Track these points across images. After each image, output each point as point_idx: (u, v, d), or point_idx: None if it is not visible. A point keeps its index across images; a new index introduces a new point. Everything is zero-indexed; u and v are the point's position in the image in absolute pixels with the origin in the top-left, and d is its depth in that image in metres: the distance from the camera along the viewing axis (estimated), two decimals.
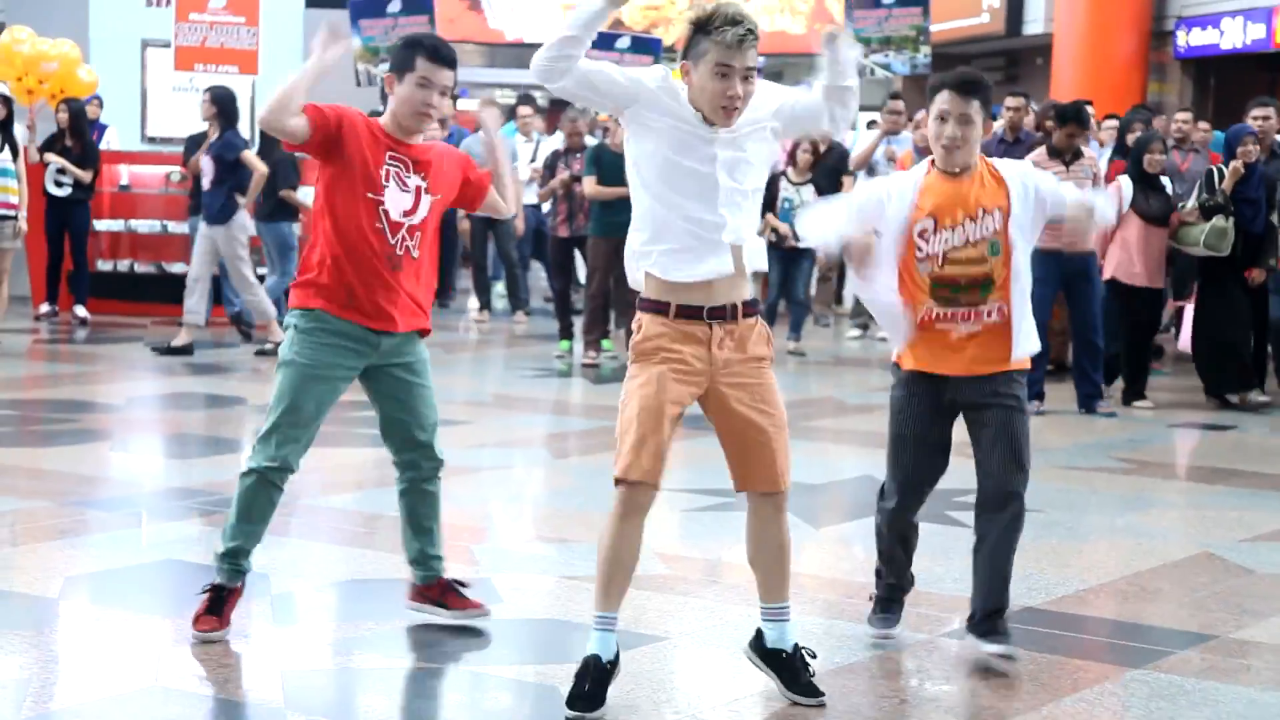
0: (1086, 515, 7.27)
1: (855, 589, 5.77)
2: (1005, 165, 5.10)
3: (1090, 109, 12.07)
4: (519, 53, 27.88)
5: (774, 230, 12.55)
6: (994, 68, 24.06)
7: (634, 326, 4.53)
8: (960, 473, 5.38)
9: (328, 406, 5.04)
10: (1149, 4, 19.47)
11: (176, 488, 7.58)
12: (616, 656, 4.45)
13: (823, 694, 4.53)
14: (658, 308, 4.45)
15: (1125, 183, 10.51)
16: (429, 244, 5.08)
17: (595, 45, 16.34)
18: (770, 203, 12.49)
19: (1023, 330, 4.95)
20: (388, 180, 4.90)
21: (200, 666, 4.85)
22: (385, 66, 15.56)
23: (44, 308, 14.41)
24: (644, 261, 4.48)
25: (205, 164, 12.01)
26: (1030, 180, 5.01)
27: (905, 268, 4.97)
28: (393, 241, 4.94)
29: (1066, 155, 10.30)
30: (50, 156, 13.92)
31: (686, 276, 4.41)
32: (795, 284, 13.01)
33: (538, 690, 4.59)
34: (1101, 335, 10.34)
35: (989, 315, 4.94)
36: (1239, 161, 10.33)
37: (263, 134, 13.41)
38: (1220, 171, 10.48)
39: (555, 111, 18.91)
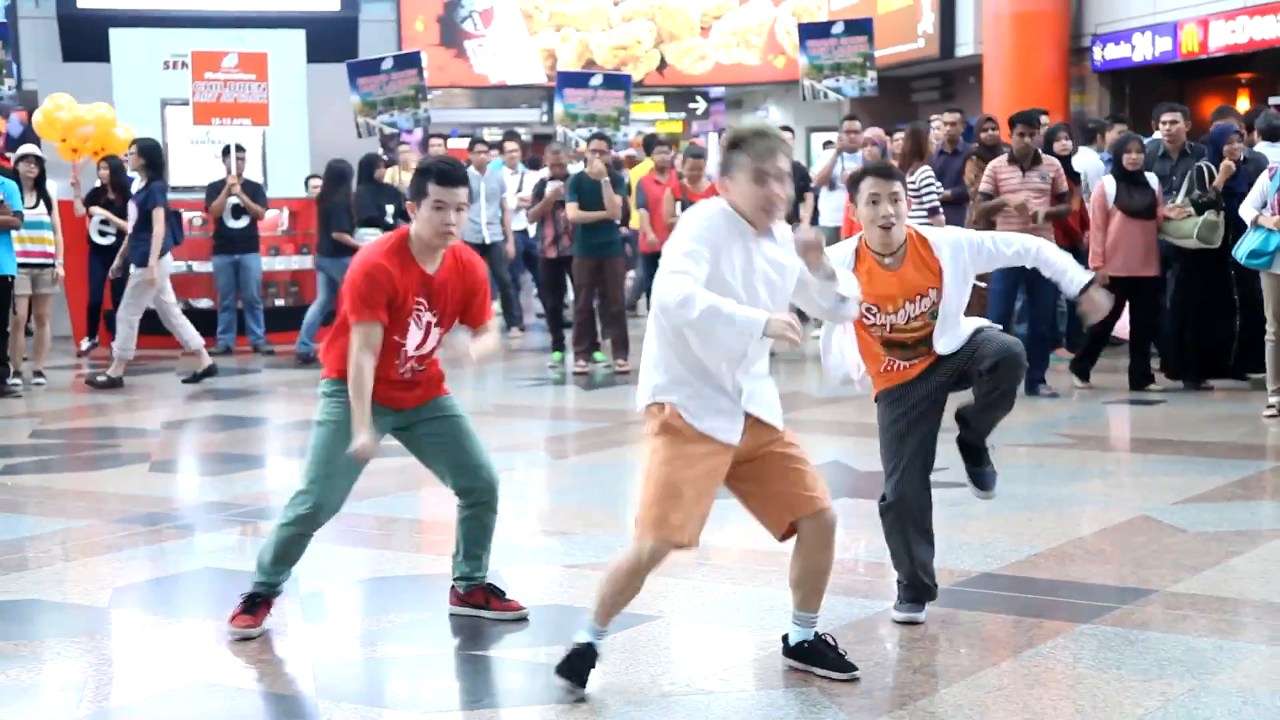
0: (1035, 487, 7.27)
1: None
2: (935, 236, 5.04)
3: (1044, 117, 12.20)
4: (503, 94, 27.89)
5: None
6: (930, 87, 24.12)
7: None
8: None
9: (358, 470, 5.03)
10: (1067, 23, 19.54)
11: (212, 502, 7.56)
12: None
13: (855, 667, 4.53)
14: None
15: (1109, 181, 10.51)
16: (436, 350, 5.11)
17: (570, 84, 16.33)
18: None
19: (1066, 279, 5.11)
20: (409, 325, 4.93)
21: (239, 663, 4.83)
22: (383, 118, 15.62)
23: (85, 343, 14.39)
24: None
25: (130, 210, 12.04)
26: (963, 246, 5.02)
27: (859, 327, 5.08)
28: (403, 368, 5.00)
29: (1025, 161, 10.32)
30: (95, 210, 13.94)
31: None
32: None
33: (548, 670, 4.57)
34: (1054, 326, 10.37)
35: (927, 356, 5.07)
36: (1229, 160, 10.28)
37: (326, 175, 13.53)
38: (1210, 169, 10.46)
39: (539, 145, 18.90)
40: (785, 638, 4.65)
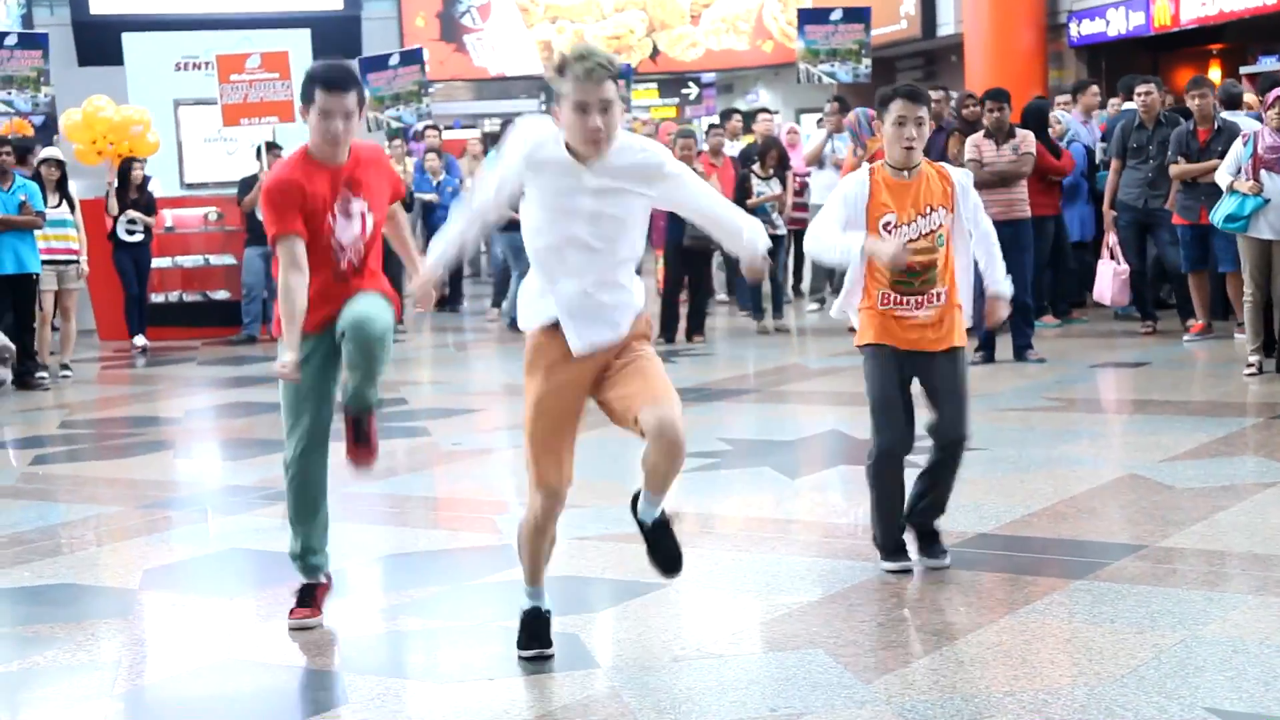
0: (1026, 449, 7.25)
1: (831, 530, 5.76)
2: (953, 170, 5.19)
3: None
4: (502, 86, 27.81)
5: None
6: (914, 67, 24.05)
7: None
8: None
9: (324, 390, 4.84)
10: (1043, 0, 19.48)
11: (235, 485, 7.55)
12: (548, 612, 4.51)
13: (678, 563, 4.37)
14: None
15: None
16: (373, 247, 4.87)
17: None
18: (744, 198, 12.55)
19: (961, 317, 5.18)
20: (335, 218, 4.74)
21: (266, 640, 4.82)
22: (390, 113, 15.59)
23: (140, 340, 14.12)
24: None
25: None
26: (971, 191, 5.14)
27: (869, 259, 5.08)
28: (341, 263, 4.79)
29: (999, 135, 10.37)
30: (134, 213, 13.87)
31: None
32: (775, 269, 13.07)
33: (562, 639, 4.56)
34: (1031, 296, 10.35)
35: (936, 300, 5.08)
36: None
37: None
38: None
39: None
40: (635, 498, 4.34)
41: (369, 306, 4.74)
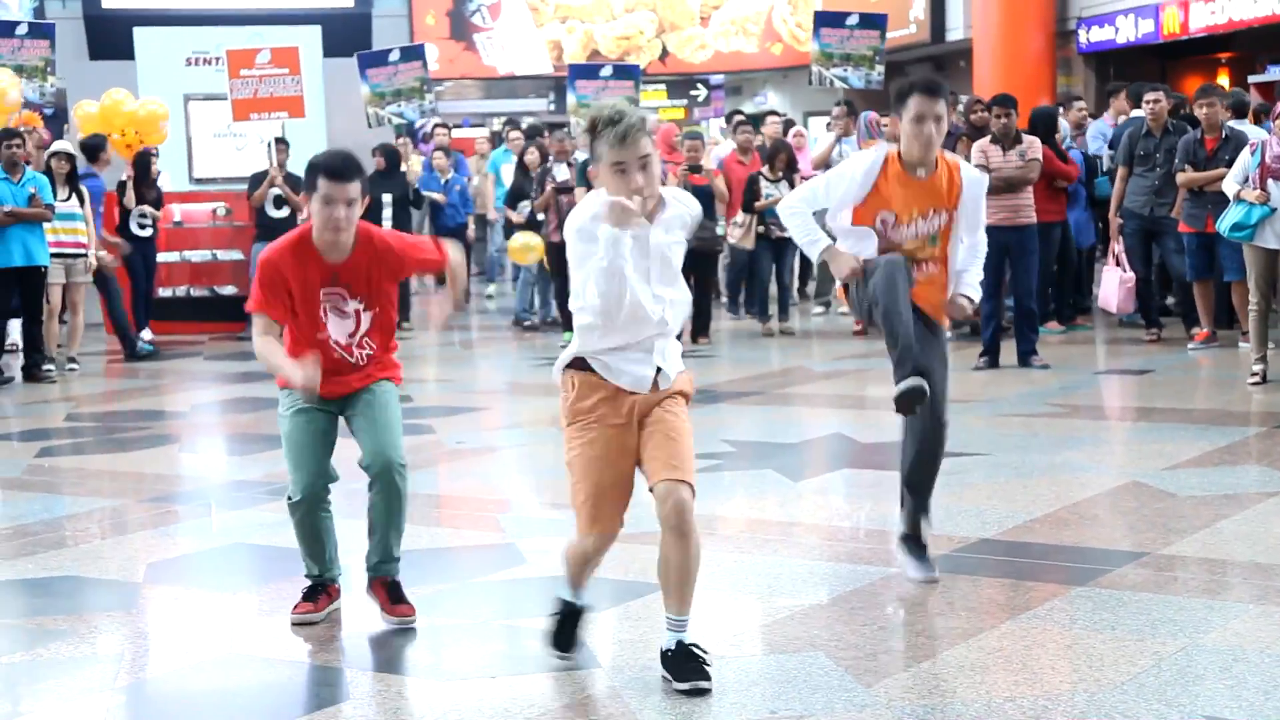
0: (1028, 455, 7.24)
1: (834, 533, 5.76)
2: (968, 172, 5.08)
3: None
4: (510, 85, 27.84)
5: (762, 222, 12.65)
6: (922, 71, 24.06)
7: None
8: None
9: (323, 435, 4.87)
10: (1053, 7, 19.47)
11: (239, 480, 7.55)
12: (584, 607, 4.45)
13: (706, 678, 4.13)
14: None
15: None
16: (381, 330, 4.88)
17: (582, 76, 16.45)
18: (752, 200, 12.57)
19: (962, 280, 5.07)
20: (326, 315, 4.76)
21: (270, 635, 4.82)
22: (391, 109, 15.59)
23: (148, 333, 14.06)
24: None
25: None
26: (979, 186, 5.05)
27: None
28: (344, 356, 4.81)
29: (1006, 141, 10.38)
30: (146, 208, 13.88)
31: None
32: (782, 271, 13.07)
33: (577, 653, 4.56)
34: (1036, 301, 10.36)
35: (926, 268, 5.03)
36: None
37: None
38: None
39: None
40: (662, 649, 4.24)
41: (391, 426, 4.83)
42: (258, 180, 14.13)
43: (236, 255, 14.88)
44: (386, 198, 13.44)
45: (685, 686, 4.10)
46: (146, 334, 13.94)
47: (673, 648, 4.18)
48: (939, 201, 4.98)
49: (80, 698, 4.31)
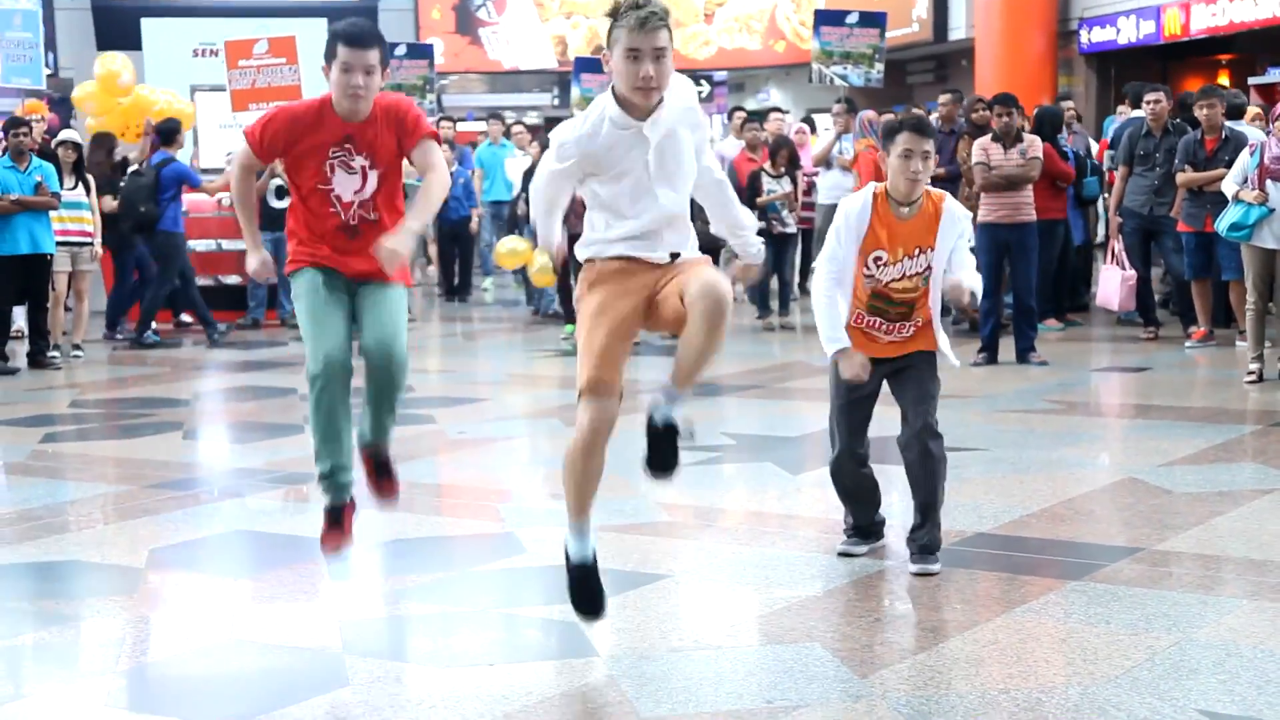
0: (1026, 451, 7.24)
1: (831, 525, 5.75)
2: (949, 205, 5.11)
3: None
4: (515, 79, 27.82)
5: (763, 218, 12.64)
6: (925, 69, 24.04)
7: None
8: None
9: (340, 305, 4.75)
10: (1055, 7, 19.46)
11: (242, 468, 7.56)
12: (594, 557, 4.38)
13: (673, 462, 4.18)
14: None
15: None
16: (387, 203, 4.82)
17: (587, 69, 16.45)
18: (754, 196, 12.57)
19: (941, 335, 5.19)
20: (333, 172, 4.72)
21: (269, 620, 4.83)
22: None
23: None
24: None
25: None
26: (960, 223, 5.08)
27: (859, 268, 5.09)
28: (346, 217, 4.76)
29: (1006, 140, 10.39)
30: None
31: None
32: (784, 266, 13.06)
33: (562, 627, 4.57)
34: (1035, 299, 10.36)
35: (907, 330, 5.14)
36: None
37: None
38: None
39: (550, 128, 18.87)
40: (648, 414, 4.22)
41: (396, 322, 4.74)
42: (260, 171, 14.10)
43: (241, 245, 14.83)
44: None
45: (652, 477, 4.21)
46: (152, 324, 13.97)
47: (660, 424, 4.16)
48: (924, 240, 5.04)
49: (82, 681, 4.32)
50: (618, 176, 4.14)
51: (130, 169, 13.51)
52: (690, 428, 4.23)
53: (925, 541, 5.14)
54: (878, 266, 5.03)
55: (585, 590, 4.39)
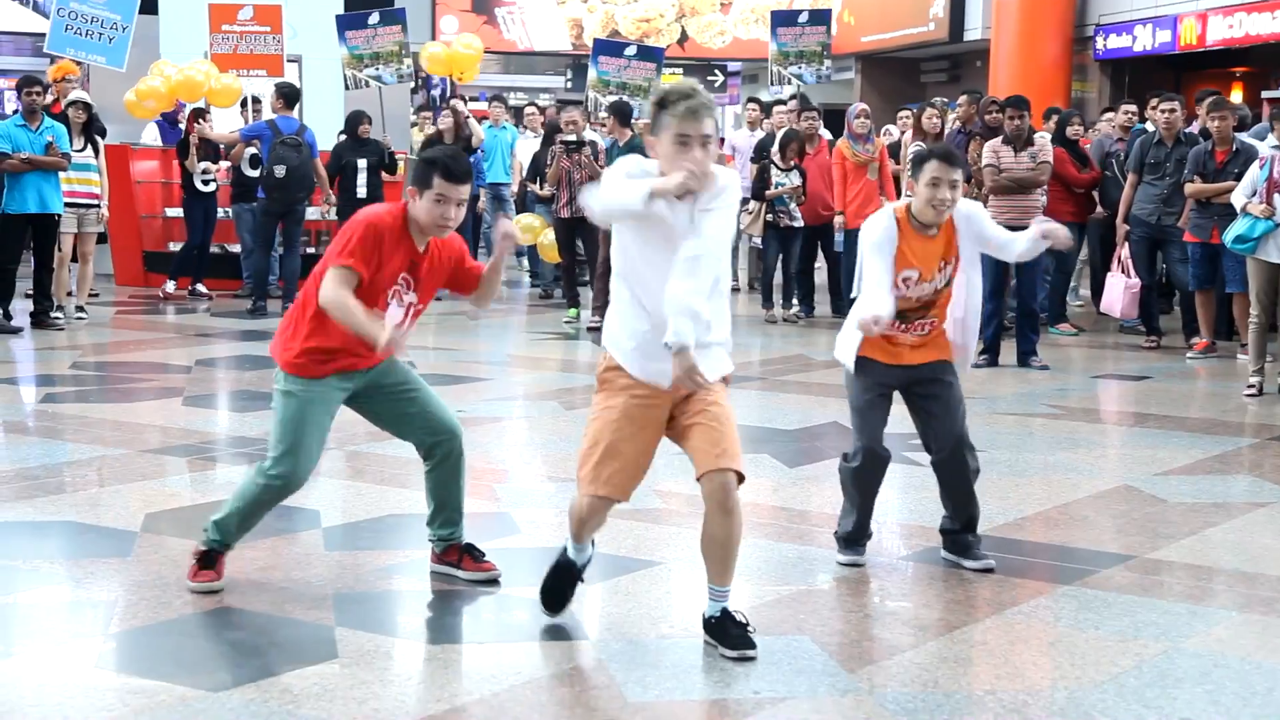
0: (1023, 454, 7.25)
1: (825, 520, 5.76)
2: (958, 210, 5.13)
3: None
4: (529, 61, 27.78)
5: (771, 211, 12.61)
6: (939, 69, 23.97)
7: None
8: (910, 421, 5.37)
9: (328, 423, 4.84)
10: (1072, 12, 19.40)
11: (238, 436, 7.56)
12: (584, 565, 4.57)
13: (752, 645, 4.25)
14: None
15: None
16: (413, 325, 4.89)
17: (606, 52, 16.47)
18: (763, 188, 12.55)
19: (963, 341, 5.24)
20: (391, 299, 4.73)
21: (262, 590, 4.83)
22: (369, 72, 15.58)
23: (201, 287, 14.20)
24: None
25: None
26: (973, 220, 5.14)
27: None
28: None
29: (1018, 143, 10.39)
30: (207, 164, 13.90)
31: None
32: (790, 259, 13.04)
33: (562, 614, 4.57)
34: (1038, 303, 10.34)
35: (925, 329, 5.17)
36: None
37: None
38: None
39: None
40: (703, 614, 4.39)
41: (446, 408, 5.00)
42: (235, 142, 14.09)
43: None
44: (361, 163, 13.51)
45: (733, 655, 4.21)
46: (201, 288, 14.02)
47: (717, 615, 4.31)
48: (948, 253, 5.12)
49: (72, 641, 4.33)
50: (655, 231, 4.11)
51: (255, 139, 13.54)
52: (747, 621, 4.35)
53: (971, 541, 5.27)
54: (908, 286, 5.08)
55: (558, 586, 4.53)
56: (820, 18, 16.41)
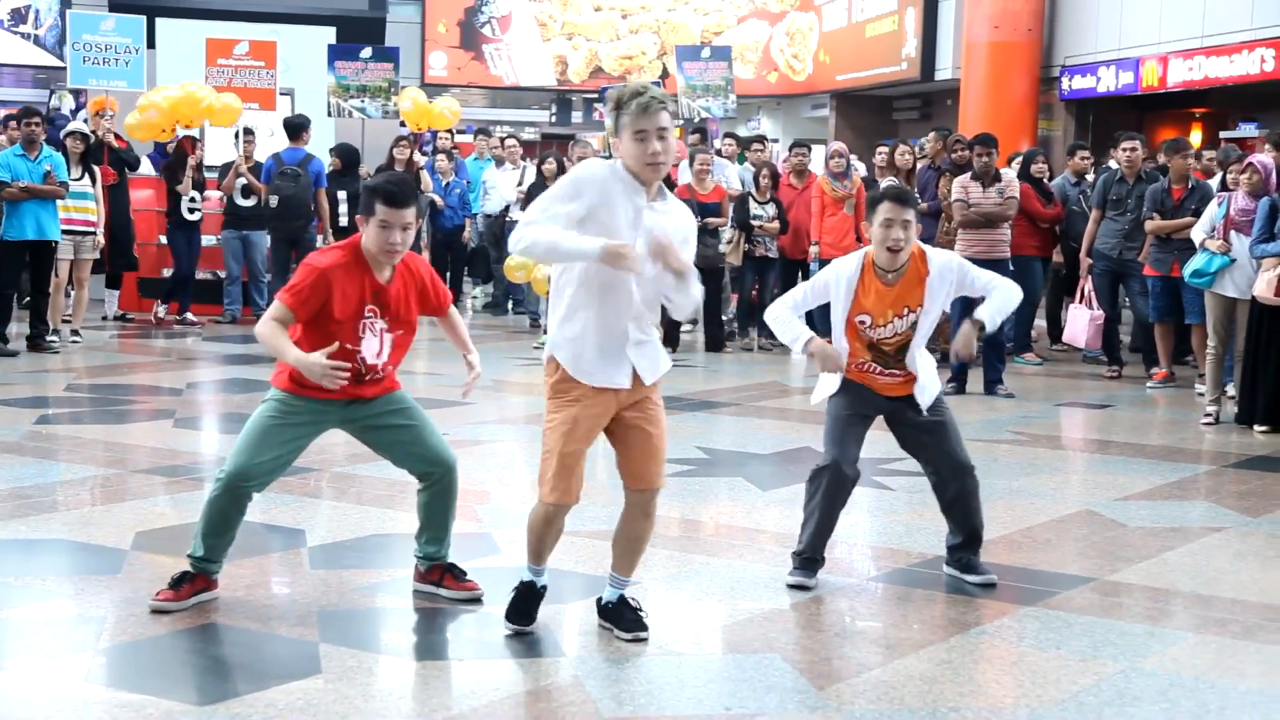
0: (988, 479, 7.21)
1: (796, 542, 5.75)
2: (936, 257, 5.15)
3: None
4: (515, 95, 27.82)
5: (749, 241, 12.65)
6: (911, 107, 24.11)
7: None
8: (887, 442, 5.38)
9: (296, 442, 4.82)
10: (1038, 54, 19.54)
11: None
12: (544, 587, 4.63)
13: (645, 628, 4.51)
14: None
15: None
16: (396, 356, 4.86)
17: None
18: (746, 217, 12.58)
19: (923, 383, 5.21)
20: (363, 332, 4.71)
21: (248, 607, 4.81)
22: (354, 103, 15.64)
23: (190, 315, 14.09)
24: None
25: None
26: (952, 269, 5.13)
27: (850, 327, 5.15)
28: (364, 372, 4.78)
29: (985, 178, 10.45)
30: (195, 193, 13.84)
31: None
32: (765, 289, 13.07)
33: (536, 626, 4.56)
34: (1004, 334, 10.39)
35: (901, 375, 5.20)
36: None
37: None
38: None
39: (545, 144, 18.95)
40: (598, 599, 4.65)
41: (441, 438, 4.98)
42: (225, 169, 14.11)
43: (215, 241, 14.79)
44: (342, 195, 13.56)
45: (628, 636, 4.46)
46: (190, 315, 13.97)
47: (614, 600, 4.57)
48: (912, 301, 5.11)
49: (62, 656, 4.30)
50: (604, 228, 4.20)
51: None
52: (640, 605, 4.60)
53: (974, 559, 5.31)
54: (865, 328, 5.12)
55: (523, 606, 4.61)
56: (721, 54, 16.98)
